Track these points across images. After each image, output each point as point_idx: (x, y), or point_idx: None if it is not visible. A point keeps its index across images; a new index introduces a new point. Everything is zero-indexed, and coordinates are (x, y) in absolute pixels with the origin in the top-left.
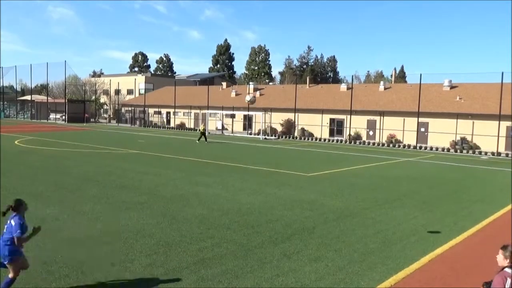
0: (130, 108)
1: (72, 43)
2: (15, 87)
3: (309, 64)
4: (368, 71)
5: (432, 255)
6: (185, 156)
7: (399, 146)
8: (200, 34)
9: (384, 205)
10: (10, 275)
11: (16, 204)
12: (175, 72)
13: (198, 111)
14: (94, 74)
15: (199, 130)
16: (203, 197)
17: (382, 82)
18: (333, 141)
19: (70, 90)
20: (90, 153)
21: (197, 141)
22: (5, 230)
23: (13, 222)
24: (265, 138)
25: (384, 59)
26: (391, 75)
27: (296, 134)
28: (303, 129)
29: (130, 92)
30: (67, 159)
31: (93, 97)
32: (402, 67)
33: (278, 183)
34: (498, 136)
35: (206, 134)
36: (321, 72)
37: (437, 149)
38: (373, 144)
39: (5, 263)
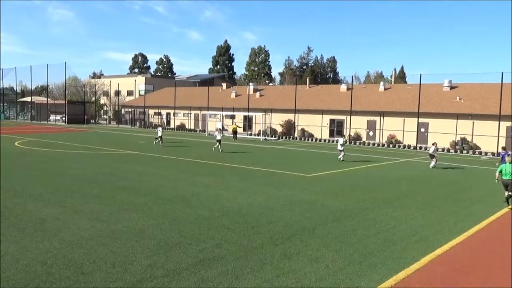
0: (130, 109)
1: (72, 44)
2: (15, 88)
3: (309, 64)
4: (368, 72)
5: (432, 255)
6: (186, 157)
7: (399, 146)
8: (200, 35)
9: (384, 205)
10: None
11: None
12: (175, 73)
13: (198, 112)
14: (94, 75)
15: (232, 129)
16: (204, 197)
17: (382, 83)
18: (333, 141)
19: (70, 91)
20: (91, 154)
21: (234, 140)
22: None
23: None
24: (265, 139)
25: (384, 59)
26: (391, 76)
27: (296, 134)
28: (303, 130)
29: (130, 93)
30: (68, 161)
31: (93, 99)
32: (402, 67)
33: (278, 183)
34: (498, 136)
35: (233, 135)
36: (321, 73)
37: (437, 149)
38: (373, 144)
39: None
